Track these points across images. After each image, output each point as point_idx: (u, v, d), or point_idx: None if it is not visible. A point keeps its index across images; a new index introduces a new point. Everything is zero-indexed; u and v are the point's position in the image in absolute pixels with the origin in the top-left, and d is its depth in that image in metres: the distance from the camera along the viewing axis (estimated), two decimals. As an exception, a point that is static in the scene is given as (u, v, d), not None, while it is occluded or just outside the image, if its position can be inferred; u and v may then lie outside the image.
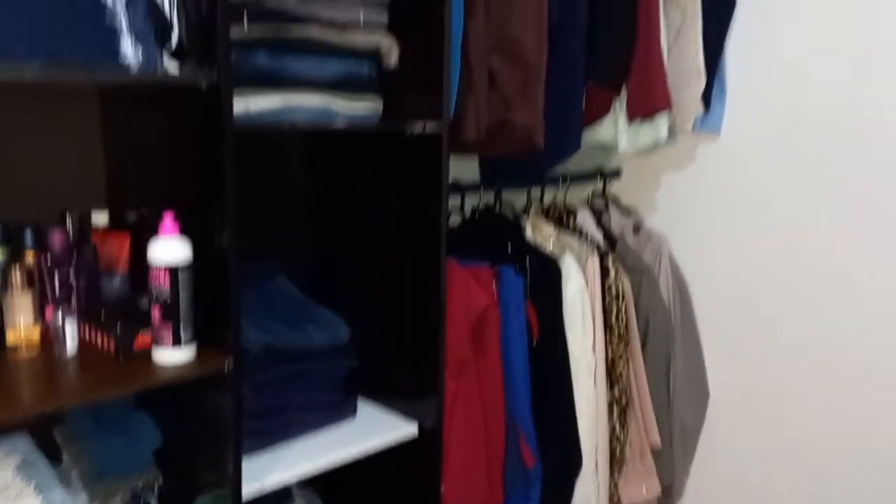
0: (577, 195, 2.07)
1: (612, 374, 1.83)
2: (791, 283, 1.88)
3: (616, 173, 2.15)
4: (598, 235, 1.94)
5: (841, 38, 1.72)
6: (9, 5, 0.93)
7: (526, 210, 1.92)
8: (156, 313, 1.15)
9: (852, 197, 1.76)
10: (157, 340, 1.17)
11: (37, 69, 0.96)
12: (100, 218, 1.40)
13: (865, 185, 1.73)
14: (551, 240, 1.80)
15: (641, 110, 1.66)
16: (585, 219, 1.97)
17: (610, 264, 1.80)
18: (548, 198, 1.98)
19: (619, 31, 1.57)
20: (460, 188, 1.79)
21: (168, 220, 1.16)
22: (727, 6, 1.79)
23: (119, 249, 1.36)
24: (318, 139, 1.68)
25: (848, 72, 1.72)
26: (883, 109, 1.68)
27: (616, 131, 1.74)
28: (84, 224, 1.39)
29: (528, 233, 1.82)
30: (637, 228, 2.06)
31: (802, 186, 1.82)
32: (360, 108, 1.43)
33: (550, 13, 1.44)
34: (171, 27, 1.12)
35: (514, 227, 1.82)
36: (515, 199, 1.94)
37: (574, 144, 1.60)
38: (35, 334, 1.22)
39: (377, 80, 1.45)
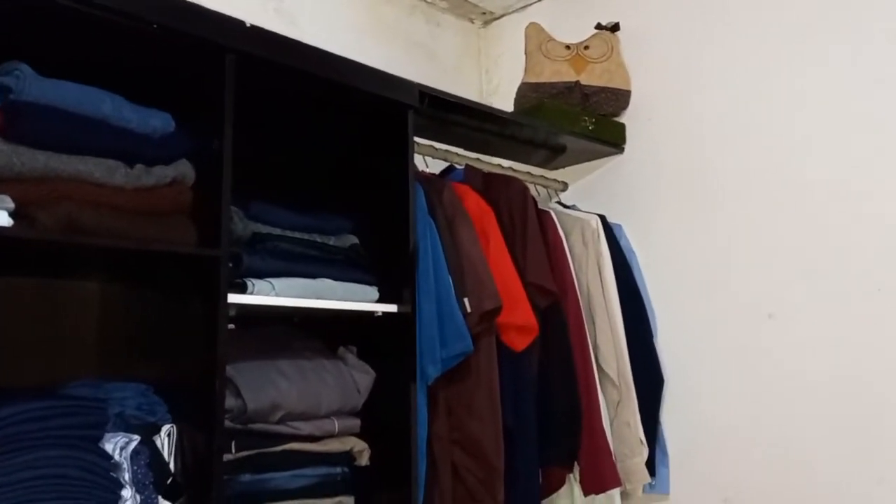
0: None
1: None
2: None
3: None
4: None
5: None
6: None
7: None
8: None
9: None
10: None
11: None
12: None
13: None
14: None
15: (595, 489, 1.81)
16: None
17: None
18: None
19: (566, 422, 1.76)
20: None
21: None
22: (657, 382, 2.03)
23: None
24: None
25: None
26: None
27: (573, 499, 1.86)
28: None
29: None
30: None
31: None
32: (333, 510, 1.53)
33: (505, 417, 1.63)
34: (168, 472, 1.24)
35: None
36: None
37: (534, 529, 1.70)
38: None
39: (350, 479, 1.57)
